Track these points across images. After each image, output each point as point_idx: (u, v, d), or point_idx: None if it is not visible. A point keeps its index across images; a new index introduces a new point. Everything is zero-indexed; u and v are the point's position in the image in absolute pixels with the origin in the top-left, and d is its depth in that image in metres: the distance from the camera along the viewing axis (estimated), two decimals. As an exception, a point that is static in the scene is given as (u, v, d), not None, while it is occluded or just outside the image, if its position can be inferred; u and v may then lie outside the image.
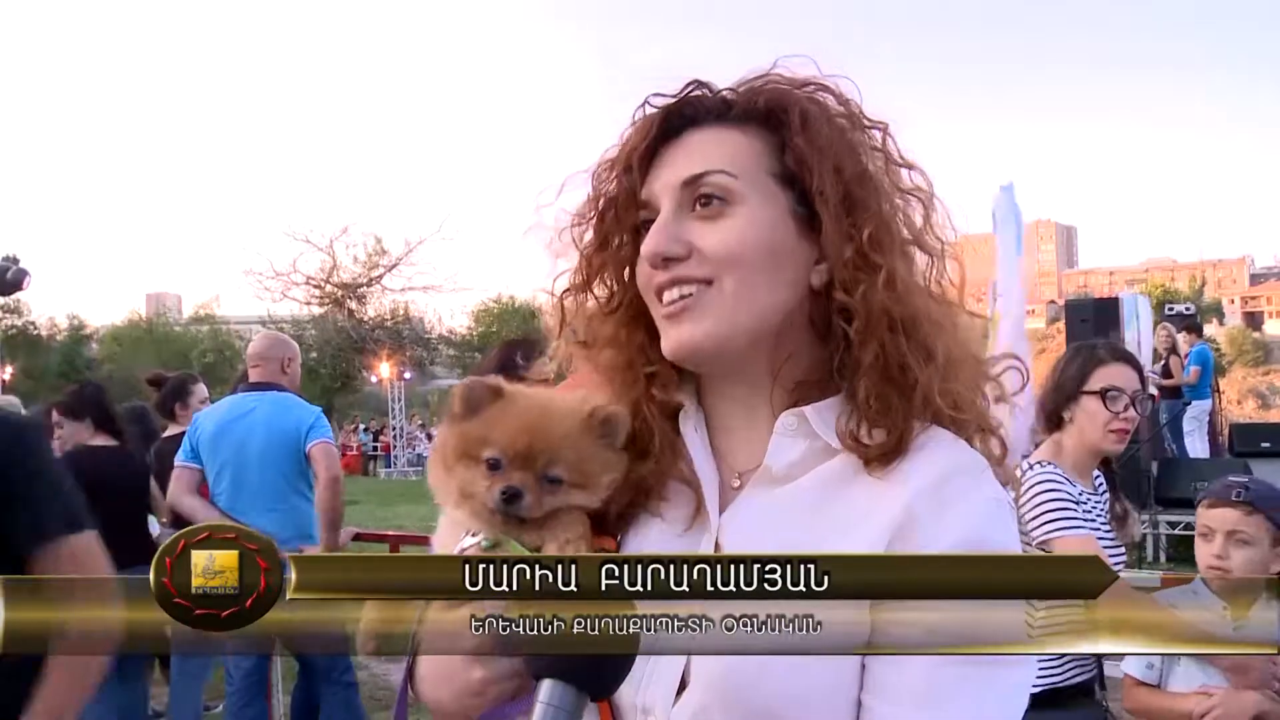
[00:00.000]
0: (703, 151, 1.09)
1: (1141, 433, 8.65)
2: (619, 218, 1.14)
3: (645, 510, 1.13)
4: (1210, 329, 58.79)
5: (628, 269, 1.16)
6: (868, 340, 1.04)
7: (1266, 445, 11.15)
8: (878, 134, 1.11)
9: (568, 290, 1.20)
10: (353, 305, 37.41)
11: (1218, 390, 14.34)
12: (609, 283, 1.18)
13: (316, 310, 37.30)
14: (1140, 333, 11.67)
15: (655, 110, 1.13)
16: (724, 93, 1.13)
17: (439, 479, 1.14)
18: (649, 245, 1.08)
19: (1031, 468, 3.02)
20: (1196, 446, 12.65)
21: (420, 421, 35.86)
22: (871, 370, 1.04)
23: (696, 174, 1.08)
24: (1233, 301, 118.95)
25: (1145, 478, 10.03)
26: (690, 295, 1.06)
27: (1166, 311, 15.31)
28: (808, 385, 1.09)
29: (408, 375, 34.28)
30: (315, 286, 37.54)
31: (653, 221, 1.10)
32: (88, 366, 39.18)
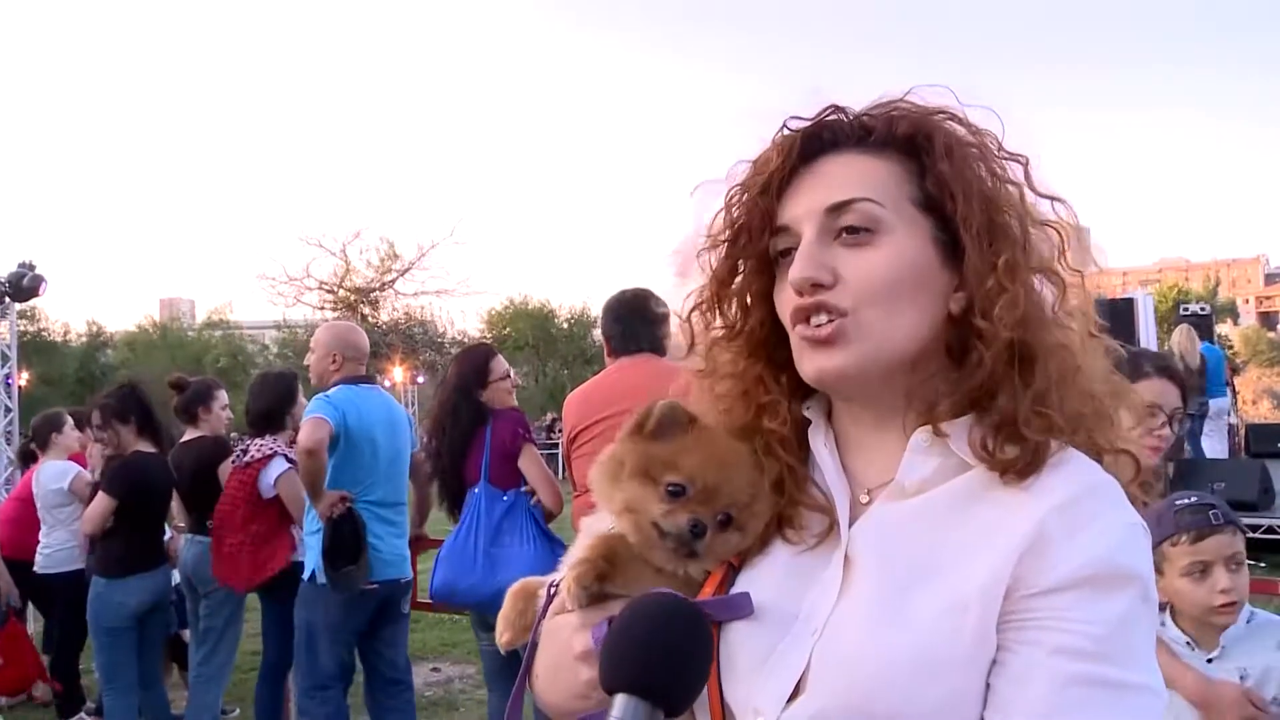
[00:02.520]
0: (845, 178, 1.09)
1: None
2: (751, 240, 1.13)
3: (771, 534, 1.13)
4: (1224, 329, 58.30)
5: (751, 296, 1.17)
6: (1007, 365, 1.04)
7: (1284, 446, 11.07)
8: (1017, 166, 1.10)
9: (695, 309, 1.20)
10: (366, 310, 37.46)
11: (1233, 390, 14.22)
12: (732, 310, 1.18)
13: (330, 315, 37.27)
14: (1147, 333, 11.66)
15: (794, 133, 1.11)
16: (862, 117, 1.12)
17: (605, 486, 1.13)
18: (797, 271, 1.06)
19: None
20: (1215, 447, 12.57)
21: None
22: (1008, 393, 1.03)
23: (842, 201, 1.07)
24: (1247, 301, 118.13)
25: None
26: (834, 323, 1.06)
27: (1181, 312, 15.21)
28: (941, 406, 1.08)
29: (420, 379, 34.26)
30: (328, 291, 37.64)
31: (790, 249, 1.10)
32: (103, 372, 39.35)
